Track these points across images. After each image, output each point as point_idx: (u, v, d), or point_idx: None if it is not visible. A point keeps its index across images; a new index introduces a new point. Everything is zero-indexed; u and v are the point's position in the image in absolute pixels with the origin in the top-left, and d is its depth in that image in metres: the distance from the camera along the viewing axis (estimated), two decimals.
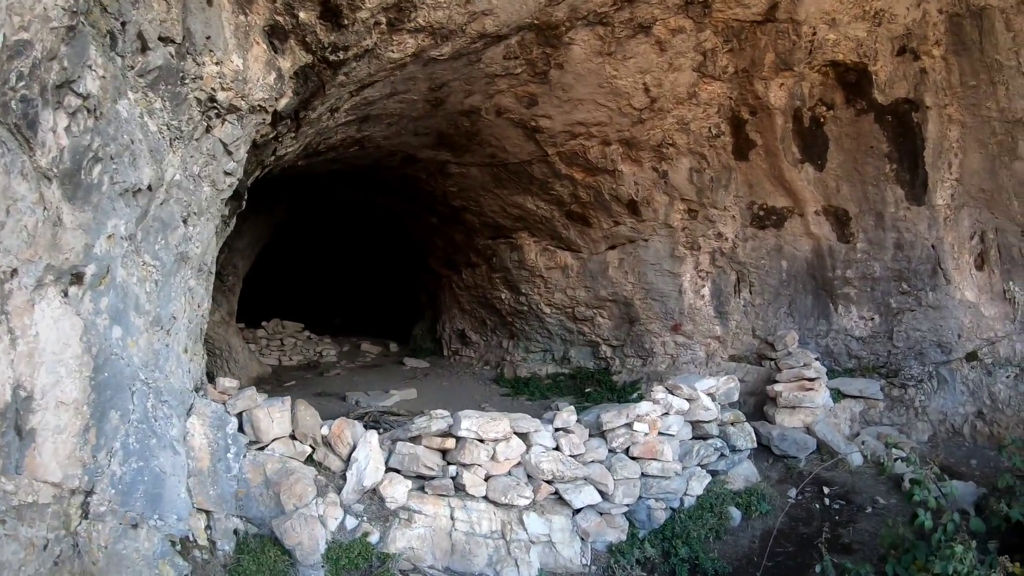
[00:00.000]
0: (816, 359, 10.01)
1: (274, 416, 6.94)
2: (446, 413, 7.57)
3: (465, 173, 11.69)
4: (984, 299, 9.61)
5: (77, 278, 4.38)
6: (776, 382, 9.84)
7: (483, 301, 14.95)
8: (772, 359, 10.60)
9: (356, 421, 7.52)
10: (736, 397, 9.33)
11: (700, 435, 8.69)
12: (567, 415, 7.96)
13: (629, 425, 8.05)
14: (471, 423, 7.27)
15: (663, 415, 8.32)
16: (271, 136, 7.11)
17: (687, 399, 8.53)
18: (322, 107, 7.32)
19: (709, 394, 8.82)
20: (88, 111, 4.27)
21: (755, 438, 8.97)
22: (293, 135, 7.56)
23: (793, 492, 8.54)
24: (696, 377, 9.30)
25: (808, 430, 9.34)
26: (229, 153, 6.34)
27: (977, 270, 9.74)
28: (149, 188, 5.27)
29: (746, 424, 8.98)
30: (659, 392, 8.44)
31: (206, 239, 6.64)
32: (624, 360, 12.84)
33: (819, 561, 5.71)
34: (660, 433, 8.21)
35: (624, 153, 10.67)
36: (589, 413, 8.47)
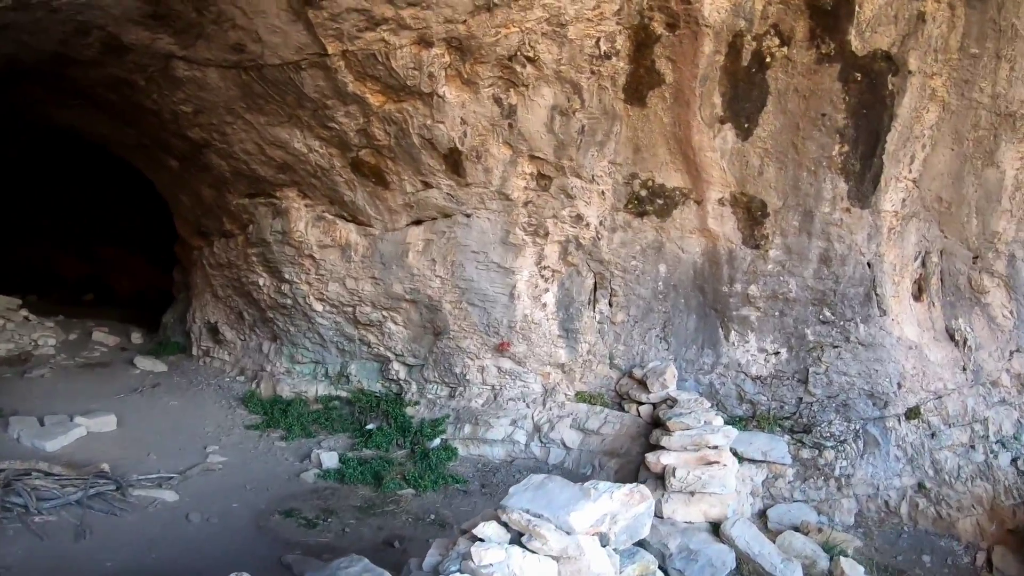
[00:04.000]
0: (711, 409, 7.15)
1: None
2: None
3: (201, 79, 7.30)
4: (927, 338, 7.50)
5: None
6: (660, 447, 6.56)
7: (239, 286, 10.35)
8: (641, 403, 7.78)
9: None
10: (646, 532, 4.95)
11: None
12: None
13: None
14: None
15: None
16: None
17: (554, 556, 4.14)
18: None
19: (597, 534, 4.44)
20: None
21: None
22: None
23: None
24: (567, 488, 4.52)
25: (716, 530, 6.07)
26: None
27: (915, 300, 7.67)
28: None
29: None
30: (489, 548, 3.96)
31: None
32: (423, 387, 9.11)
33: None
34: None
35: (452, 65, 6.83)
36: None
